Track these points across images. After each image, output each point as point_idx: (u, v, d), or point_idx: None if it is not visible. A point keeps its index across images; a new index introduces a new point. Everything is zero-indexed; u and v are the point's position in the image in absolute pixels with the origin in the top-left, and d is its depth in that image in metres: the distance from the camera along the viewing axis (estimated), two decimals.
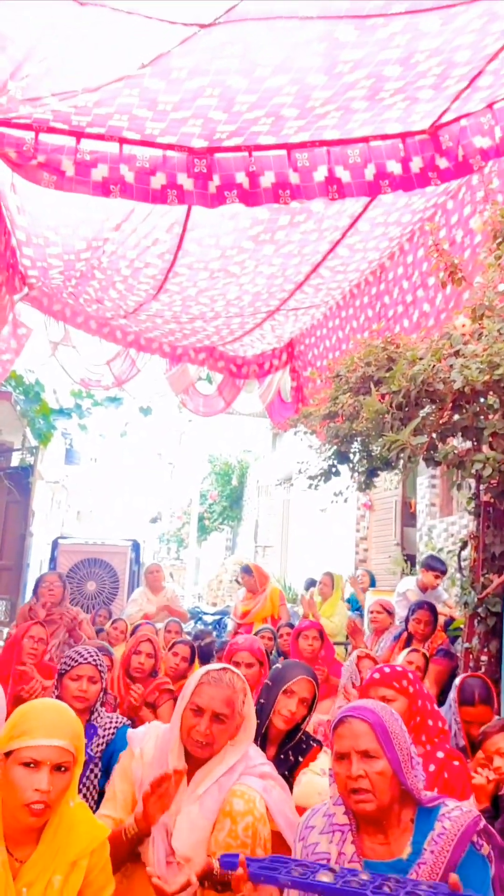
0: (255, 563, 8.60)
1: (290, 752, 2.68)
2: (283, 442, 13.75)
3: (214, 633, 6.82)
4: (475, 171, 3.60)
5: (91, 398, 10.51)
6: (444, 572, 5.73)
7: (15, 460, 10.83)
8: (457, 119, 3.54)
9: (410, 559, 8.62)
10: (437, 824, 1.69)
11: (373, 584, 7.96)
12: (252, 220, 4.38)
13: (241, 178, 3.44)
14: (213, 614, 9.23)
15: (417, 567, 7.29)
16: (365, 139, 3.56)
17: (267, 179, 3.43)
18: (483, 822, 1.73)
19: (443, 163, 3.60)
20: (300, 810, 2.27)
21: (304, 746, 2.71)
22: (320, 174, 3.49)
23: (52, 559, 8.18)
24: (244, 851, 2.02)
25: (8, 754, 1.71)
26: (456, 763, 2.48)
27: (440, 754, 2.47)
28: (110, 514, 27.70)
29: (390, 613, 5.36)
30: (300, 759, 2.67)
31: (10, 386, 9.30)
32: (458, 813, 1.70)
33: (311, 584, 7.94)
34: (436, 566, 5.66)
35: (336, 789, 1.78)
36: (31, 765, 1.68)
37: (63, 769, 1.71)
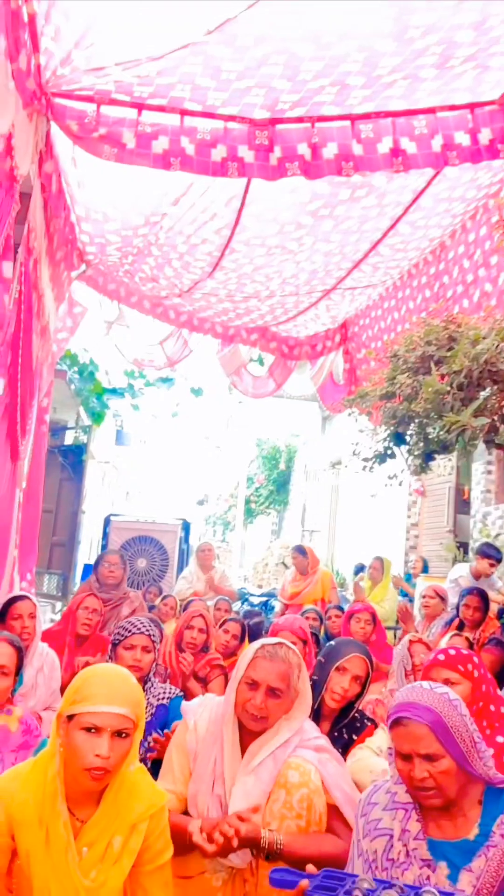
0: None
1: (343, 730, 2.66)
2: (333, 426, 13.65)
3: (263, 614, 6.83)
4: None
5: (143, 378, 10.58)
6: (499, 560, 5.62)
7: (69, 439, 11.01)
8: None
9: (463, 546, 8.48)
10: None
11: (425, 569, 7.86)
12: (312, 194, 4.30)
13: (302, 149, 3.36)
14: (259, 596, 9.25)
15: (471, 554, 7.16)
16: (432, 110, 3.45)
17: (329, 151, 3.35)
18: None
19: None
20: None
21: (359, 725, 2.68)
22: (385, 146, 3.39)
23: (105, 535, 8.29)
24: (299, 823, 2.01)
25: (70, 718, 1.73)
26: None
27: (500, 738, 2.42)
28: (159, 496, 28.03)
29: (443, 599, 5.28)
30: (354, 737, 2.65)
31: (66, 365, 9.41)
32: None
33: (361, 569, 7.88)
34: (491, 554, 5.56)
35: (395, 768, 1.74)
36: (92, 730, 1.69)
37: (124, 735, 1.72)
